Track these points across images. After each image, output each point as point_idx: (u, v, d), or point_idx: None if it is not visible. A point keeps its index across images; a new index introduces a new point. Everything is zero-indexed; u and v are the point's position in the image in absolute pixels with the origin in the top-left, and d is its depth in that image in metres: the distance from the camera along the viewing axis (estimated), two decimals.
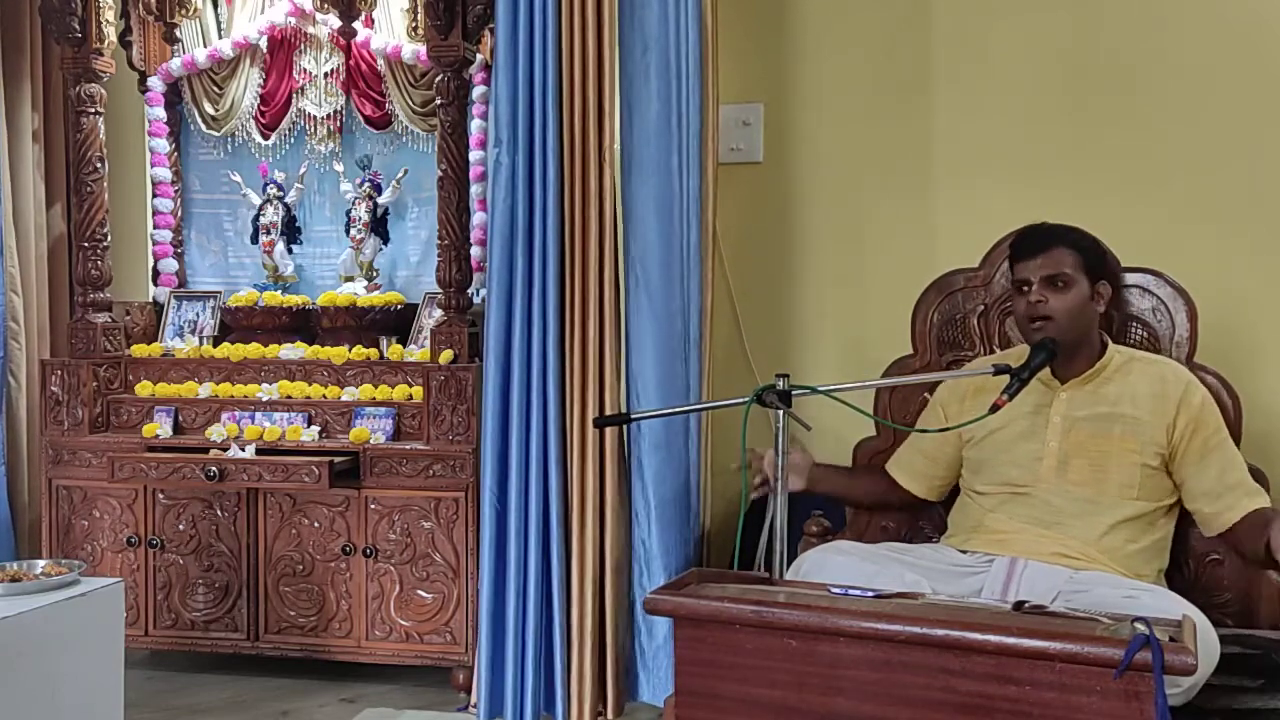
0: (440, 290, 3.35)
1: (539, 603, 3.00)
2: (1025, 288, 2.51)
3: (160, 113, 3.83)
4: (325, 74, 3.74)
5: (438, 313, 3.41)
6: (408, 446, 3.27)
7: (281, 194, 3.77)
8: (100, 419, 3.52)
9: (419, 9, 3.38)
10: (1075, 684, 1.73)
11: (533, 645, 2.99)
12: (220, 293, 3.80)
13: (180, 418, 3.47)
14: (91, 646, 2.55)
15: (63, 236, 3.94)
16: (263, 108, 3.79)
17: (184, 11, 3.72)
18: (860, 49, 3.37)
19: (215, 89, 3.84)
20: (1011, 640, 1.76)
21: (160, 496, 3.41)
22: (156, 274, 3.88)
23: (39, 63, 3.83)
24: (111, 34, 3.52)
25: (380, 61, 3.68)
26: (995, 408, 2.36)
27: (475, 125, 3.52)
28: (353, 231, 3.68)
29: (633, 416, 2.82)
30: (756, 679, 1.93)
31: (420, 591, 3.27)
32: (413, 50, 3.58)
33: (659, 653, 3.01)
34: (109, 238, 3.59)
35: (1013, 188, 3.21)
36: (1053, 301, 2.47)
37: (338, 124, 3.75)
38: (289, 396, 3.44)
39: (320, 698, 3.27)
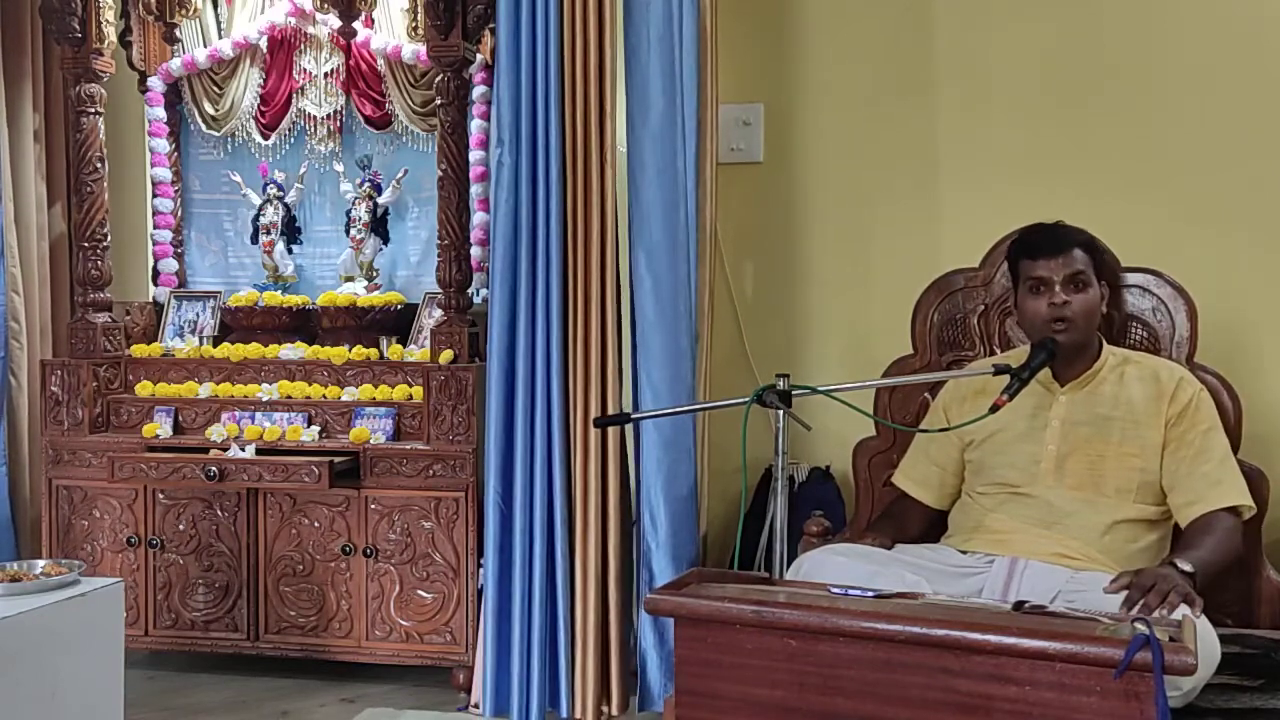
0: (440, 290, 3.35)
1: (543, 601, 3.01)
2: (1042, 287, 2.49)
3: (160, 113, 3.83)
4: (325, 74, 3.74)
5: (438, 313, 3.41)
6: (408, 446, 3.27)
7: (281, 194, 3.77)
8: (100, 419, 3.52)
9: (419, 9, 3.38)
10: (1075, 684, 1.73)
11: (538, 643, 3.00)
12: (220, 293, 3.80)
13: (180, 418, 3.47)
14: (91, 646, 2.55)
15: (63, 236, 3.94)
16: (263, 108, 3.79)
17: (184, 11, 3.72)
18: (861, 49, 3.37)
19: (215, 89, 3.84)
20: (1011, 640, 1.76)
21: (160, 496, 3.41)
22: (156, 274, 3.88)
23: (39, 63, 3.84)
24: (111, 34, 3.53)
25: (380, 61, 3.68)
26: (995, 408, 2.36)
27: (475, 125, 3.52)
28: (353, 231, 3.68)
29: (632, 416, 2.82)
30: (756, 679, 1.93)
31: (420, 591, 3.27)
32: (413, 50, 3.58)
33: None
34: (109, 238, 3.59)
35: (1013, 188, 3.21)
36: (1075, 303, 2.47)
37: (338, 124, 3.75)
38: (289, 396, 3.44)
39: (320, 698, 3.27)
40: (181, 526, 3.40)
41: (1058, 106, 3.23)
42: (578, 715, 3.02)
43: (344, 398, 3.41)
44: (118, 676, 2.65)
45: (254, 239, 3.80)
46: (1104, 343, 2.58)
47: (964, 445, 2.64)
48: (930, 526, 2.70)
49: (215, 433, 3.37)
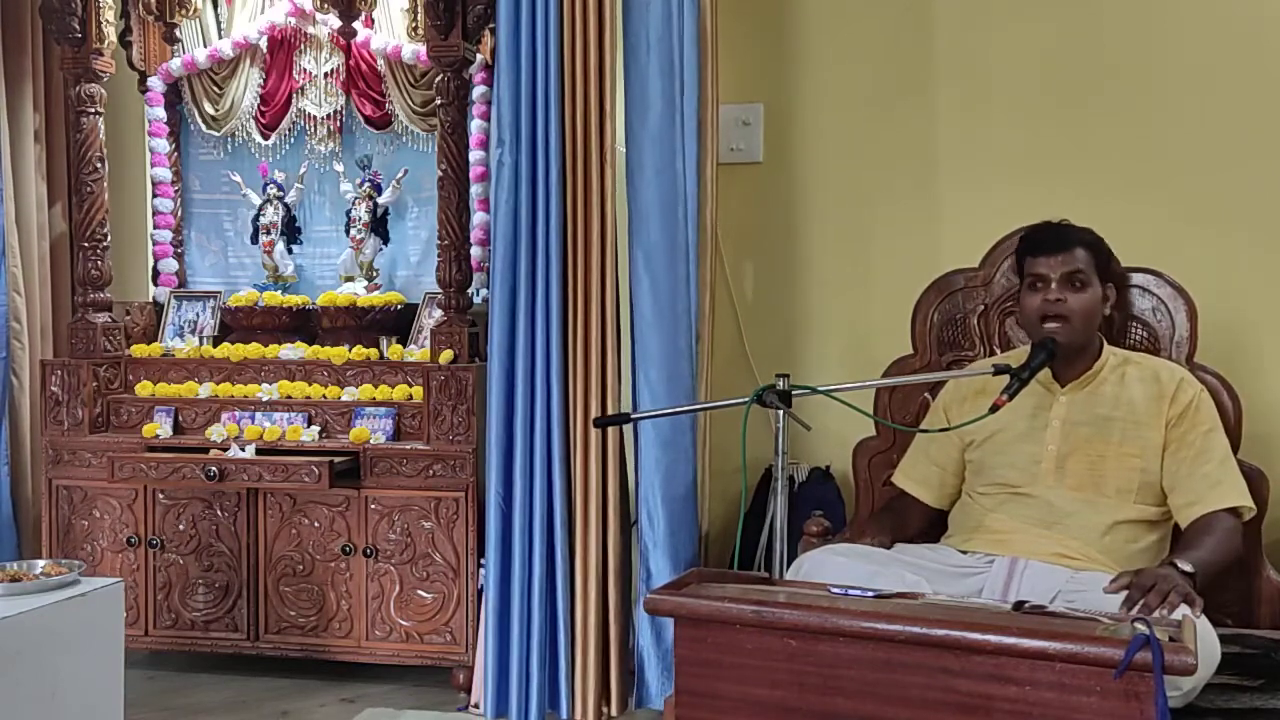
0: (440, 290, 3.35)
1: (544, 601, 3.00)
2: (1040, 284, 2.49)
3: (160, 113, 3.83)
4: (325, 74, 3.74)
5: (438, 313, 3.41)
6: (408, 446, 3.27)
7: (281, 194, 3.77)
8: (100, 419, 3.52)
9: (419, 9, 3.39)
10: (1075, 684, 1.73)
11: (538, 644, 3.00)
12: (220, 293, 3.80)
13: (180, 418, 3.47)
14: (91, 646, 2.55)
15: (63, 236, 3.94)
16: (263, 108, 3.79)
17: (184, 11, 3.72)
18: (861, 49, 3.37)
19: (215, 89, 3.84)
20: (1011, 640, 1.76)
21: (160, 496, 3.41)
22: (156, 274, 3.88)
23: (40, 63, 3.84)
24: (111, 34, 3.53)
25: (380, 61, 3.68)
26: (995, 408, 2.36)
27: (475, 125, 3.53)
28: (353, 231, 3.68)
29: (632, 416, 2.82)
30: (756, 679, 1.93)
31: (420, 591, 3.27)
32: (413, 50, 3.58)
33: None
34: (109, 238, 3.59)
35: (1014, 188, 3.21)
36: (1071, 301, 2.47)
37: (338, 124, 3.75)
38: (289, 396, 3.44)
39: (320, 698, 3.27)
40: (181, 526, 3.40)
41: (1058, 106, 3.23)
42: (578, 717, 3.02)
43: (344, 398, 3.41)
44: (118, 676, 2.65)
45: (254, 239, 3.80)
46: (1105, 343, 2.58)
47: (964, 445, 2.64)
48: (930, 526, 2.70)
49: (215, 433, 3.37)
